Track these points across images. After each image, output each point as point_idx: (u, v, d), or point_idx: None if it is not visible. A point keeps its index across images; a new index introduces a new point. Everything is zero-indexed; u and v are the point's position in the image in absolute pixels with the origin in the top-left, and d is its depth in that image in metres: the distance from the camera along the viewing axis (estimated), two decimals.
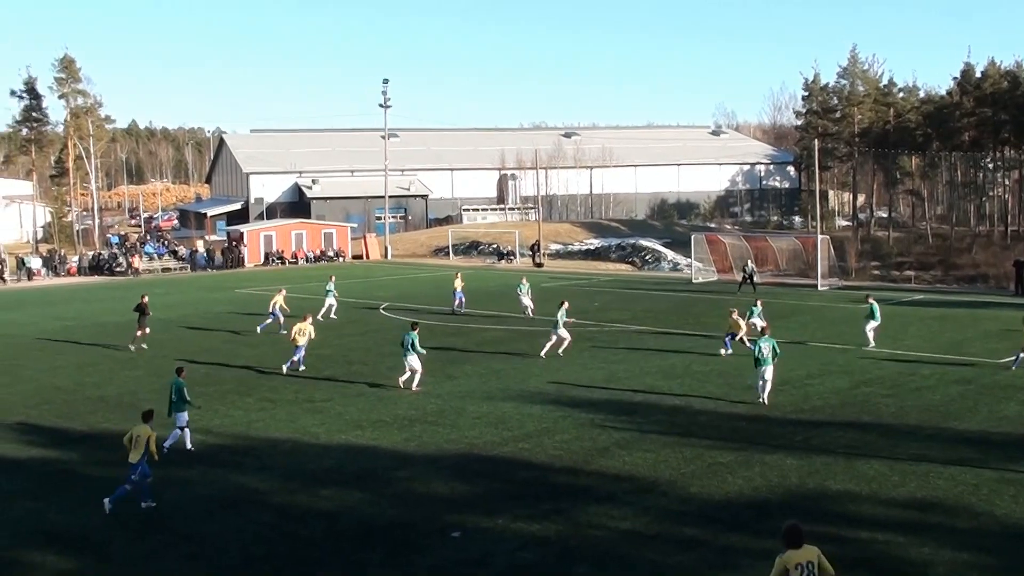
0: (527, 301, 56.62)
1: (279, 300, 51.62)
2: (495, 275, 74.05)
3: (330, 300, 56.40)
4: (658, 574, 19.52)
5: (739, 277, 70.54)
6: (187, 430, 28.98)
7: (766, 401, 33.40)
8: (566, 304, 44.86)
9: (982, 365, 39.88)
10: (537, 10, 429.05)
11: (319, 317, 52.60)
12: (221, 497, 24.37)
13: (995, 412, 31.73)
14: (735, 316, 43.50)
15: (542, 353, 42.75)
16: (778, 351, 33.96)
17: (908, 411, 32.02)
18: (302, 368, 40.56)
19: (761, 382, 33.58)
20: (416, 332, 36.84)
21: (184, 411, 28.93)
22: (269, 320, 51.47)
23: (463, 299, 59.62)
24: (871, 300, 46.28)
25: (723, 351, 42.95)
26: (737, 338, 42.95)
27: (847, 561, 19.45)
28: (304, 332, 40.91)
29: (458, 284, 59.84)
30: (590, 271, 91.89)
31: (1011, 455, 26.65)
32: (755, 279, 69.45)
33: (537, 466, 26.52)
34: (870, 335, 44.52)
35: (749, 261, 72.73)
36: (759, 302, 47.99)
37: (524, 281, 58.59)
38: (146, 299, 49.60)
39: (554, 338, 43.11)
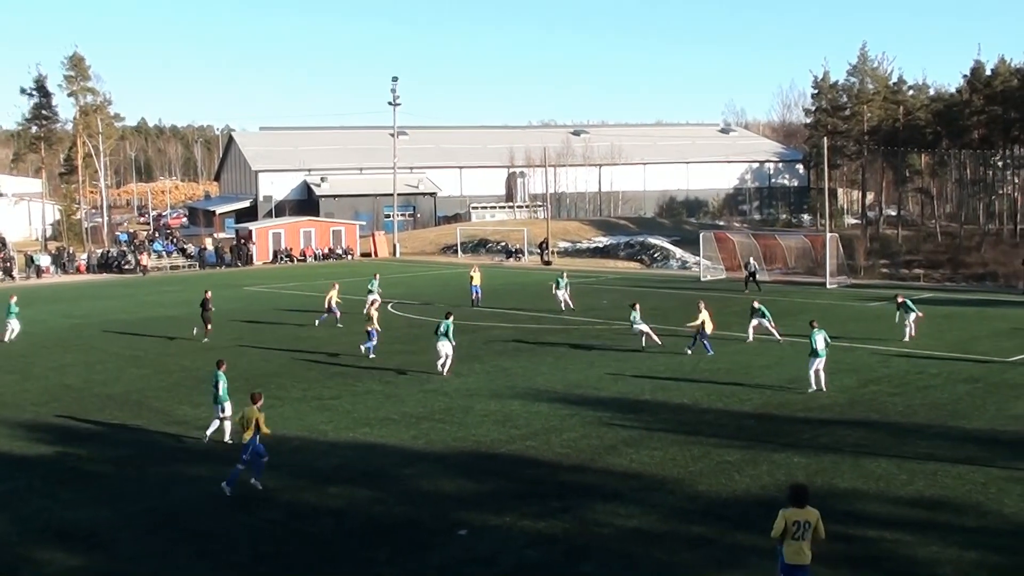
0: (563, 295, 57.70)
1: (333, 295, 53.57)
2: (503, 273, 74.06)
3: (373, 297, 56.36)
4: (665, 572, 19.53)
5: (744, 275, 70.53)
6: (228, 421, 29.46)
7: (824, 388, 34.78)
8: (638, 306, 46.03)
9: (990, 363, 39.86)
10: (546, 8, 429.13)
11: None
12: (230, 495, 24.39)
13: (1003, 410, 31.70)
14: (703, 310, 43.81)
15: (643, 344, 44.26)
16: (829, 341, 35.60)
17: (916, 409, 32.00)
18: (372, 356, 42.68)
19: (815, 373, 34.97)
20: (451, 320, 38.66)
21: (221, 403, 29.47)
22: (326, 315, 53.11)
23: (480, 294, 60.73)
24: (901, 299, 47.15)
25: (688, 350, 43.17)
26: (698, 334, 43.40)
27: (855, 559, 19.51)
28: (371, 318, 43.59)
29: (476, 278, 61.08)
30: (599, 269, 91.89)
31: (1019, 453, 26.64)
32: (757, 276, 69.47)
33: (544, 464, 26.54)
34: (912, 327, 45.23)
35: (751, 259, 72.66)
36: (755, 303, 47.72)
37: (564, 276, 60.07)
38: (209, 294, 51.71)
39: (644, 331, 44.55)
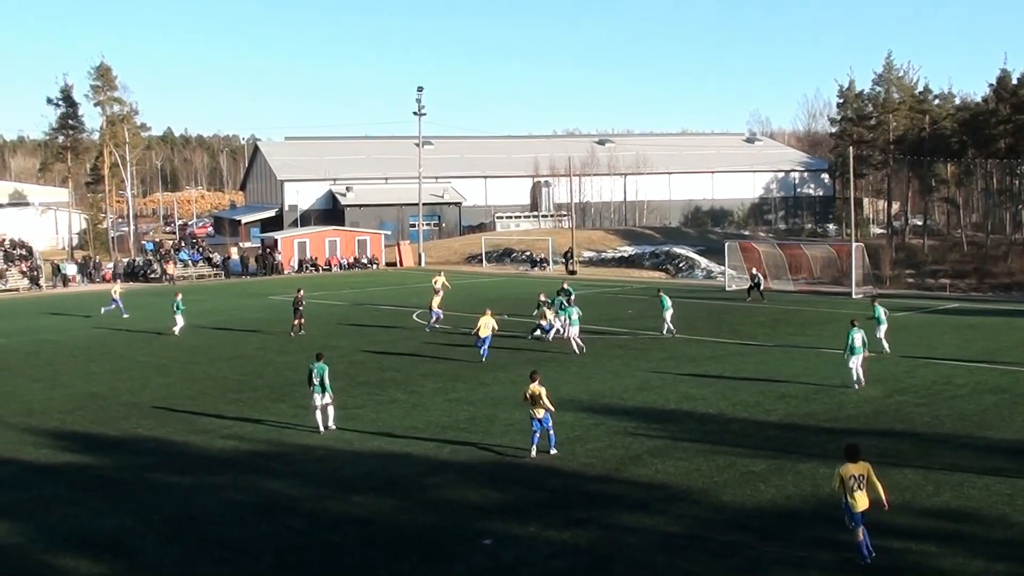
0: (667, 315, 52.71)
1: (438, 299, 57.40)
2: (528, 282, 74.00)
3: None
4: None
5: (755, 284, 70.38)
6: (319, 411, 31.34)
7: (864, 382, 36.76)
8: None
9: (1018, 373, 39.63)
10: (571, 18, 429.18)
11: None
12: (253, 503, 24.45)
13: None
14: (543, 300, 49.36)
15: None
16: (866, 341, 37.52)
17: (942, 420, 31.85)
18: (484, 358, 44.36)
19: (855, 369, 36.85)
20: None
21: (318, 393, 31.24)
22: (435, 316, 55.97)
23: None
24: (876, 303, 47.29)
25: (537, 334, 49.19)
26: (540, 328, 48.12)
27: (881, 570, 19.43)
28: (487, 325, 45.14)
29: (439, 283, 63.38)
30: (624, 278, 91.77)
31: None
32: (761, 287, 69.40)
33: (569, 474, 26.49)
34: (884, 343, 44.38)
35: (754, 268, 72.59)
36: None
37: (662, 294, 54.25)
38: (301, 293, 55.75)
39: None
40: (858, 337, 37.04)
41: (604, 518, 22.72)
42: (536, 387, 28.34)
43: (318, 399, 31.40)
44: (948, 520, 22.36)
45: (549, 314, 50.01)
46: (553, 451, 28.25)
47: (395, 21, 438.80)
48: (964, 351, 45.01)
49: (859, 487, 19.64)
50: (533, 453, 28.19)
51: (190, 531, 22.71)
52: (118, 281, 68.13)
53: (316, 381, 31.22)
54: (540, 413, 28.24)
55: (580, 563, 20.33)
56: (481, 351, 44.63)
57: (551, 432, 28.49)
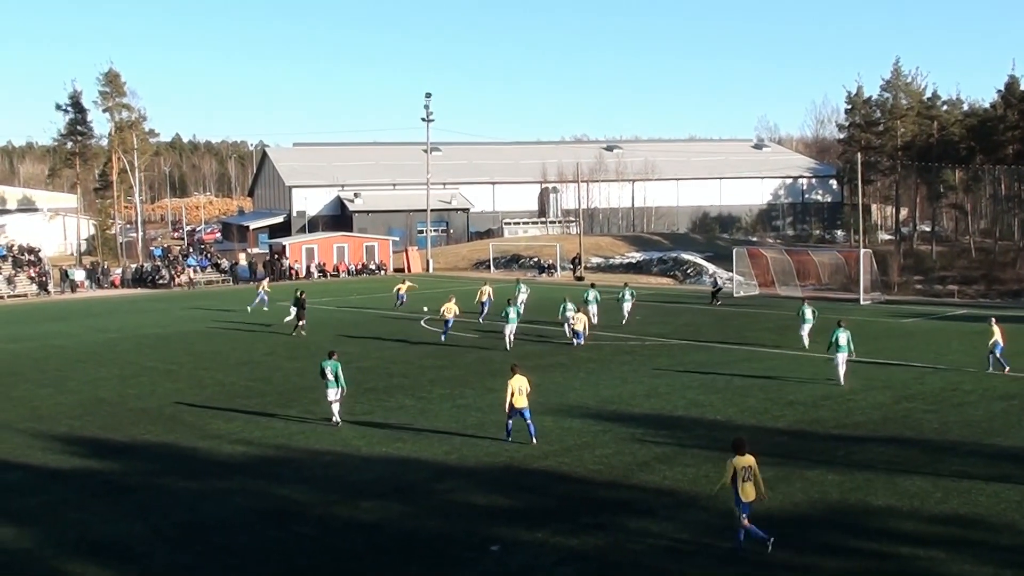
0: (626, 309, 60.29)
1: (488, 291, 62.91)
2: (536, 288, 73.97)
3: (522, 297, 62.70)
4: None
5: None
6: (335, 404, 33.26)
7: (843, 383, 38.40)
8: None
9: None
10: (579, 24, 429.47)
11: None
12: (262, 509, 24.48)
13: None
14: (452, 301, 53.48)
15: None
16: (851, 340, 39.40)
17: (950, 427, 31.83)
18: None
19: (839, 366, 38.93)
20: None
21: (329, 388, 33.10)
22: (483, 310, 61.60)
23: (404, 300, 68.72)
24: (806, 303, 50.59)
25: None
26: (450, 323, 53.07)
27: None
28: (451, 310, 53.13)
29: (403, 288, 69.65)
30: (632, 285, 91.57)
31: None
32: (720, 292, 72.42)
33: (577, 480, 26.50)
34: (805, 339, 47.78)
35: (715, 272, 73.63)
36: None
37: (627, 287, 62.92)
38: (304, 295, 58.16)
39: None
40: (843, 336, 39.09)
41: (612, 524, 22.74)
42: (520, 379, 30.25)
43: (331, 394, 33.04)
44: (957, 527, 22.35)
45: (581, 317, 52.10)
46: (534, 441, 30.06)
47: (404, 27, 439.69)
48: (972, 358, 44.89)
49: (747, 478, 20.70)
50: (534, 440, 30.14)
51: (199, 537, 22.74)
52: (266, 280, 74.38)
53: (331, 377, 32.94)
54: (522, 403, 29.99)
55: (588, 569, 20.35)
56: (442, 334, 52.06)
57: (531, 423, 30.28)
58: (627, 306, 60.58)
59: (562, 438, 30.93)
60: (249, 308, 68.31)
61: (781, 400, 36.12)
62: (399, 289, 69.66)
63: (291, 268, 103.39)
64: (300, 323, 56.43)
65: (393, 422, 33.67)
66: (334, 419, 33.31)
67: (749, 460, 20.87)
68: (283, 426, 33.36)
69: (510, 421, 30.60)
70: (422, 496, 25.33)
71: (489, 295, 62.75)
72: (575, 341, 50.50)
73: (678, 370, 43.02)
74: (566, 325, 53.06)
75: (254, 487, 26.45)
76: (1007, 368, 41.07)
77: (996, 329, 42.11)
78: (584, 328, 51.43)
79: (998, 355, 41.51)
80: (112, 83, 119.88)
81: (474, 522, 23.18)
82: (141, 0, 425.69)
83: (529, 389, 30.59)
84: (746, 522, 20.67)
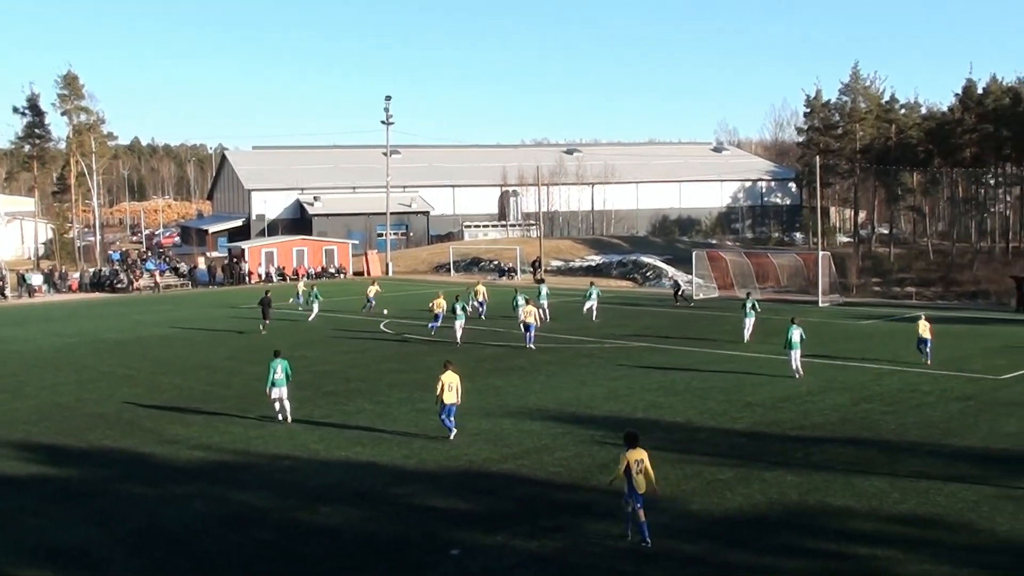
0: (590, 304, 63.13)
1: (482, 290, 65.75)
2: (494, 292, 73.86)
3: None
4: None
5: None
6: (277, 403, 33.92)
7: (801, 373, 40.70)
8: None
9: (983, 381, 39.91)
10: (539, 27, 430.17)
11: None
12: (221, 514, 24.37)
13: (996, 429, 31.74)
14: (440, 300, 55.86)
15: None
16: (804, 337, 41.56)
17: (908, 428, 32.03)
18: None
19: (793, 361, 40.98)
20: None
21: (277, 387, 33.72)
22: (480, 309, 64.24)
23: (373, 304, 68.63)
24: (750, 296, 54.78)
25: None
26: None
27: None
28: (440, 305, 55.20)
29: (372, 291, 69.83)
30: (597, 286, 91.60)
31: (1012, 472, 26.66)
32: (680, 293, 74.15)
33: (537, 483, 26.50)
34: (747, 333, 51.06)
35: (674, 274, 74.85)
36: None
37: (593, 286, 65.25)
38: (270, 294, 62.24)
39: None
40: (796, 333, 41.03)
41: (572, 527, 22.75)
42: (452, 375, 31.21)
43: (276, 392, 33.70)
44: (914, 526, 22.48)
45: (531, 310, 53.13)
46: (453, 434, 31.25)
47: (364, 30, 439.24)
48: (930, 359, 45.24)
49: (639, 471, 21.37)
50: (453, 435, 31.21)
51: (157, 543, 22.60)
52: (376, 283, 74.48)
53: (280, 376, 33.61)
54: (452, 399, 31.00)
55: (548, 572, 20.36)
56: (432, 327, 54.38)
57: (449, 421, 31.28)
58: (590, 304, 62.91)
59: (521, 441, 30.94)
60: (363, 310, 68.67)
61: (740, 402, 36.26)
62: (369, 292, 70.19)
63: (247, 272, 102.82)
64: (265, 321, 59.44)
65: (352, 426, 33.58)
66: (280, 417, 34.00)
67: (641, 454, 21.60)
68: (242, 431, 33.22)
69: (443, 416, 31.22)
70: (382, 500, 25.27)
71: (484, 295, 65.87)
72: (527, 336, 50.68)
73: (638, 372, 43.11)
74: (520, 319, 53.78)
75: (213, 492, 26.32)
76: (927, 360, 43.99)
77: (924, 324, 45.13)
78: (536, 320, 52.01)
79: (926, 349, 44.53)
80: (70, 86, 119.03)
81: (434, 526, 23.14)
82: (101, 3, 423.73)
83: (460, 387, 31.38)
84: (642, 515, 21.34)
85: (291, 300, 72.17)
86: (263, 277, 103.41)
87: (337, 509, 24.67)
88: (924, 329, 44.75)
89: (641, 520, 21.27)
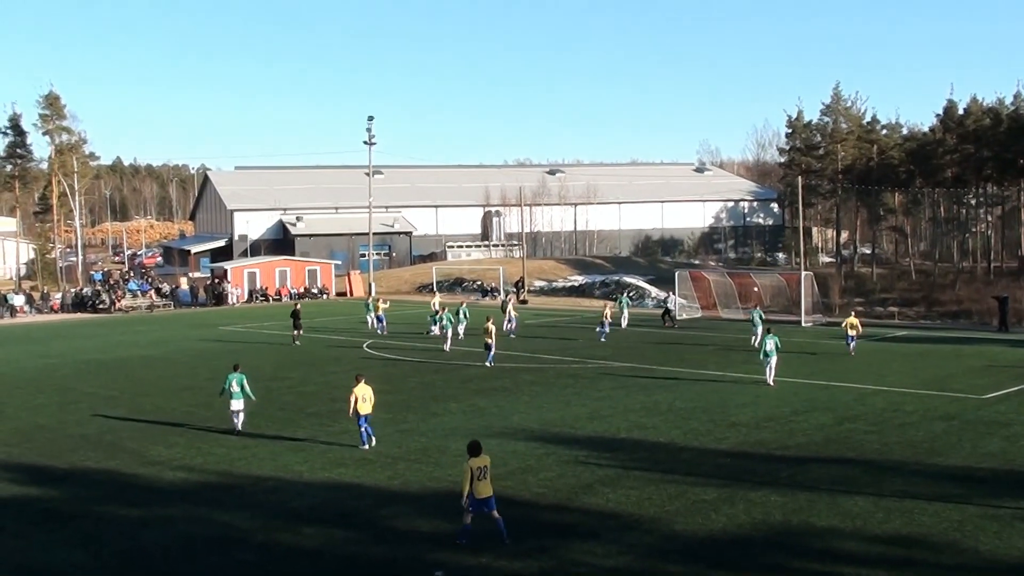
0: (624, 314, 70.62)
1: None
2: (477, 312, 73.75)
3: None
4: None
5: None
6: (235, 415, 35.59)
7: (772, 383, 43.36)
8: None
9: (966, 400, 39.97)
10: (521, 48, 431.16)
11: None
12: (204, 536, 24.24)
13: (979, 448, 31.78)
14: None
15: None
16: (779, 346, 44.58)
17: (892, 447, 32.04)
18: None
19: (769, 369, 43.94)
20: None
21: (233, 399, 35.31)
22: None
23: (385, 323, 69.46)
24: (756, 308, 59.49)
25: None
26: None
27: None
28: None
29: (380, 308, 70.16)
30: (574, 308, 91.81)
31: (995, 491, 26.67)
32: (671, 314, 74.30)
33: (520, 503, 26.41)
34: (625, 316, 55.11)
35: (669, 296, 76.00)
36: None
37: (624, 294, 71.38)
38: (299, 306, 66.52)
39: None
40: (770, 343, 44.00)
41: (556, 548, 22.68)
42: (364, 387, 32.88)
43: (235, 404, 35.36)
44: (899, 546, 22.45)
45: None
46: (366, 446, 32.74)
47: (346, 51, 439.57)
48: (913, 378, 45.37)
49: (482, 477, 22.44)
50: (367, 447, 32.76)
51: (140, 565, 22.47)
52: (437, 294, 77.25)
53: (236, 388, 35.21)
54: (366, 409, 32.57)
55: None
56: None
57: (369, 428, 32.92)
58: (626, 312, 71.17)
59: (505, 461, 30.85)
60: (430, 332, 66.93)
61: (724, 422, 36.24)
62: (377, 309, 70.56)
63: (225, 292, 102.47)
64: (297, 332, 63.43)
65: (336, 447, 33.48)
66: (237, 428, 35.57)
67: (485, 460, 22.71)
68: (225, 452, 33.09)
69: (361, 428, 32.82)
70: (365, 522, 25.19)
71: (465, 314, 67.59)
72: (489, 355, 51.77)
73: (621, 393, 43.08)
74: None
75: (196, 514, 26.20)
76: (851, 347, 53.91)
77: (853, 321, 54.88)
78: (494, 338, 52.46)
79: (851, 342, 54.04)
80: (52, 106, 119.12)
81: (418, 547, 23.06)
82: (83, 24, 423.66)
83: (372, 398, 33.00)
84: (468, 519, 22.66)
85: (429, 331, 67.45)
86: (250, 296, 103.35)
87: (320, 530, 24.57)
88: (850, 325, 54.56)
89: (496, 519, 22.65)
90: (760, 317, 59.48)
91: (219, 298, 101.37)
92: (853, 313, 57.53)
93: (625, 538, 23.38)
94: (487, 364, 50.98)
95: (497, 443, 33.14)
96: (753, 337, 45.68)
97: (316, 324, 71.47)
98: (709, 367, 49.89)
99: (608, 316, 63.56)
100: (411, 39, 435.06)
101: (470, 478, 22.34)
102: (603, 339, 61.49)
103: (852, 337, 54.02)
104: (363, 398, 32.61)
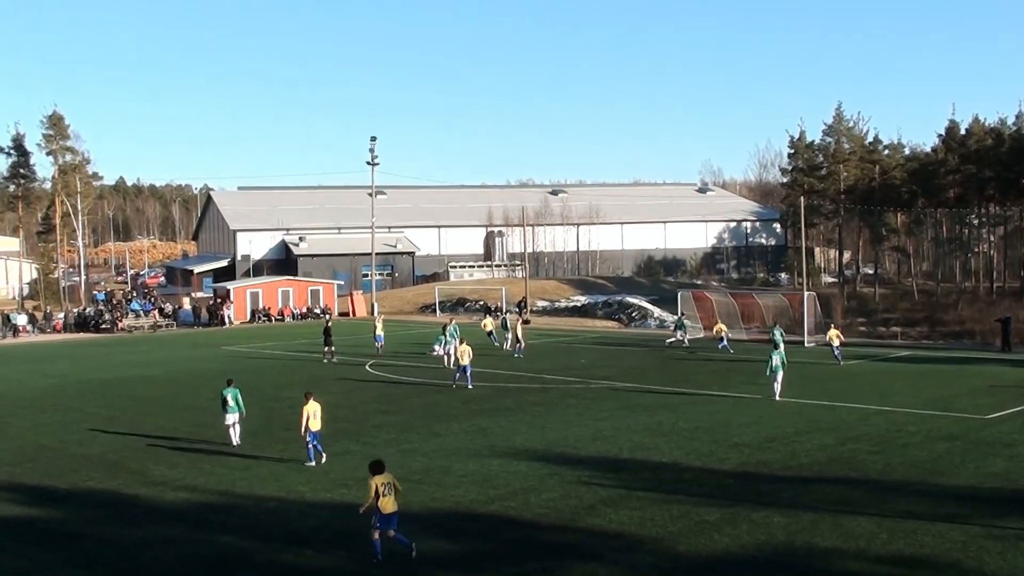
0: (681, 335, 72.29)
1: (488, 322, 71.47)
2: (482, 333, 73.80)
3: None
4: None
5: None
6: (231, 428, 36.74)
7: (778, 397, 44.80)
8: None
9: (969, 421, 39.90)
10: (524, 68, 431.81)
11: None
12: (205, 556, 24.19)
13: (982, 468, 31.71)
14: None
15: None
16: (785, 361, 46.66)
17: (895, 468, 31.98)
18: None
19: (775, 384, 45.36)
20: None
21: (228, 413, 36.59)
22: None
23: (383, 343, 69.79)
24: (776, 326, 62.57)
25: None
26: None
27: None
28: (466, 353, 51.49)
29: (379, 328, 70.90)
30: (577, 328, 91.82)
31: (998, 511, 26.60)
32: (684, 330, 74.51)
33: (523, 524, 26.36)
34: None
35: (681, 315, 76.35)
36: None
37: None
38: (330, 324, 67.52)
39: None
40: (776, 358, 45.79)
41: (559, 569, 22.62)
42: (314, 404, 33.84)
43: (230, 418, 36.57)
44: (902, 567, 22.40)
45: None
46: (311, 463, 33.47)
47: (348, 71, 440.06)
48: (916, 399, 45.31)
49: (386, 493, 22.92)
50: (313, 463, 33.54)
51: None
52: (452, 318, 74.16)
53: (231, 403, 36.44)
54: (317, 426, 33.64)
55: None
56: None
57: (319, 446, 33.83)
58: (681, 333, 72.90)
59: (508, 482, 30.82)
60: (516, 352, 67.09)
61: (726, 442, 36.18)
62: (376, 330, 70.73)
63: (220, 313, 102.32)
64: (329, 349, 65.09)
65: (338, 467, 33.44)
66: (234, 442, 36.57)
67: (388, 477, 23.32)
68: (227, 472, 33.06)
69: (310, 445, 33.69)
70: (367, 542, 25.11)
71: (494, 327, 72.87)
72: (464, 375, 51.19)
73: (623, 413, 43.03)
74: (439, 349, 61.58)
75: (198, 534, 26.14)
76: (838, 357, 58.54)
77: (834, 332, 60.17)
78: (470, 359, 51.56)
79: (835, 352, 58.95)
80: (56, 126, 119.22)
81: (420, 568, 23.00)
82: (86, 43, 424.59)
83: (321, 413, 34.03)
84: (391, 533, 22.96)
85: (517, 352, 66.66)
86: (252, 317, 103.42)
87: (323, 551, 24.52)
88: (833, 336, 59.85)
89: (394, 535, 23.08)
90: (782, 335, 61.59)
91: (220, 319, 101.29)
92: (832, 325, 63.07)
93: (628, 559, 23.33)
94: (456, 383, 51.16)
95: (500, 463, 33.14)
96: (777, 356, 44.64)
97: (319, 345, 71.30)
98: (712, 387, 49.83)
99: (724, 330, 68.72)
100: (414, 60, 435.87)
101: (375, 495, 22.83)
102: (726, 350, 66.78)
103: (837, 348, 59.08)
104: (314, 415, 33.58)
